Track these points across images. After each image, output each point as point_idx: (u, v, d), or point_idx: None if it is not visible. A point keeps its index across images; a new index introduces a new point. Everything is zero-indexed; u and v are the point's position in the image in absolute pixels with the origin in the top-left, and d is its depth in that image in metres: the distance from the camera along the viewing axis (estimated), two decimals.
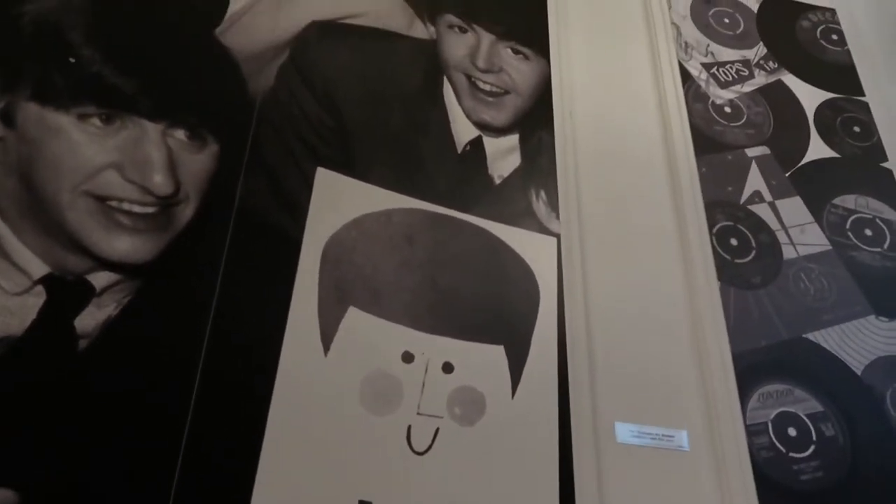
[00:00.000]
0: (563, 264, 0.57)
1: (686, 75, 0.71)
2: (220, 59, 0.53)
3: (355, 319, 0.48)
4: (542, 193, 0.60)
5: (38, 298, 0.40)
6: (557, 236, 0.58)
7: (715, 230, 0.63)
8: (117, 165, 0.43)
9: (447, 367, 0.49)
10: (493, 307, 0.53)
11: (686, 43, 0.73)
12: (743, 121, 0.69)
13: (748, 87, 0.71)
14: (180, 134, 0.46)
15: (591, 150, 0.64)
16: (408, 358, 0.48)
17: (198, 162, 0.47)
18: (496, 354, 0.51)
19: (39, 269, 0.40)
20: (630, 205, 0.62)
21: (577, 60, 0.68)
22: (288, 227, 0.49)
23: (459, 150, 0.60)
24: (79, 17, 0.46)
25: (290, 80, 0.56)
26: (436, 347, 0.49)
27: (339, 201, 0.52)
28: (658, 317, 0.57)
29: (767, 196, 0.65)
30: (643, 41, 0.73)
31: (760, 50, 0.75)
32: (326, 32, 0.59)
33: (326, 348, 0.46)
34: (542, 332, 0.54)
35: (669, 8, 0.75)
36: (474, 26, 0.64)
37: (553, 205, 0.59)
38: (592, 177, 0.63)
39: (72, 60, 0.44)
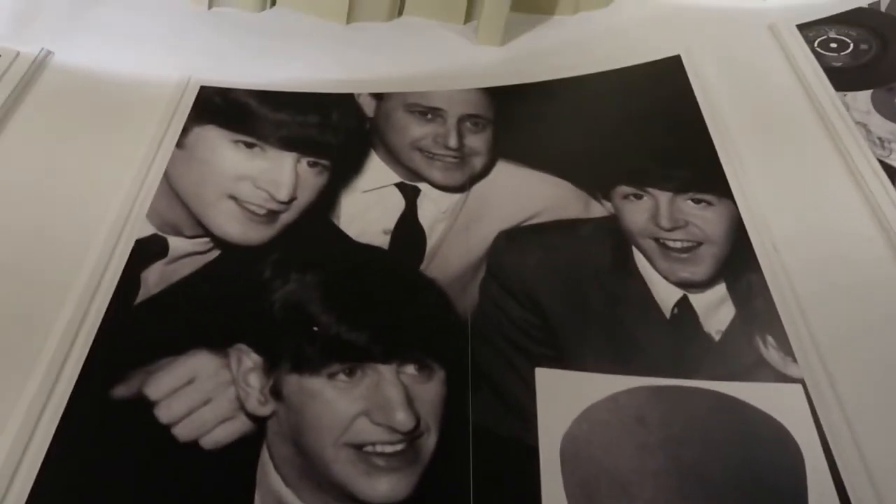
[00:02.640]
0: (817, 412, 0.52)
1: (892, 171, 0.65)
2: (429, 292, 0.59)
3: None
4: (769, 338, 0.56)
5: None
6: (801, 381, 0.54)
7: None
8: (366, 412, 0.49)
9: None
10: (751, 476, 0.49)
11: (880, 139, 0.69)
12: None
13: None
14: (410, 369, 0.51)
15: (809, 279, 0.60)
16: None
17: (429, 391, 0.51)
18: None
19: None
20: (874, 327, 0.56)
21: (763, 191, 0.66)
22: (522, 434, 0.51)
23: (668, 315, 0.59)
24: (314, 291, 0.55)
25: (492, 292, 0.60)
26: None
27: (563, 397, 0.53)
28: None
29: None
30: (829, 151, 0.69)
31: None
32: (513, 238, 0.64)
33: None
34: (817, 494, 0.48)
35: (848, 109, 0.72)
36: (648, 190, 0.66)
37: (785, 348, 0.55)
38: (819, 306, 0.58)
39: (315, 329, 0.52)
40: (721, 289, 0.61)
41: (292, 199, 0.62)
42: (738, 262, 0.62)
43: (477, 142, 0.70)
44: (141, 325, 0.54)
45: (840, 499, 0.47)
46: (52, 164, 0.64)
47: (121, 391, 0.49)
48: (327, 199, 0.64)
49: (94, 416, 0.48)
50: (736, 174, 0.68)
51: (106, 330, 0.52)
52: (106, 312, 0.53)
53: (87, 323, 0.52)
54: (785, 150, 0.71)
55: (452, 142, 0.69)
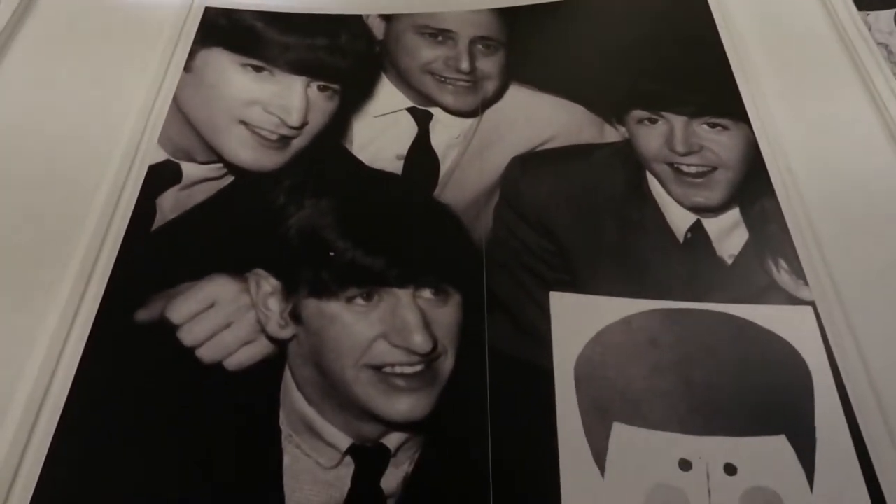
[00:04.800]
0: (826, 333, 0.53)
1: None
2: (444, 218, 0.59)
3: (622, 434, 0.49)
4: (782, 262, 0.57)
5: (348, 469, 0.46)
6: (812, 304, 0.54)
7: None
8: (384, 335, 0.50)
9: (730, 469, 0.47)
10: (761, 394, 0.50)
11: None
12: None
13: None
14: (427, 293, 0.51)
15: (822, 203, 0.59)
16: (685, 465, 0.47)
17: (446, 314, 0.52)
18: (779, 445, 0.48)
19: (344, 441, 0.47)
20: (886, 251, 0.56)
21: (780, 115, 0.65)
22: (536, 356, 0.52)
23: (681, 239, 0.60)
24: (329, 217, 0.55)
25: (506, 218, 0.60)
26: (711, 449, 0.48)
27: (577, 321, 0.54)
28: None
29: None
30: (848, 72, 0.68)
31: None
32: (527, 164, 0.64)
33: (602, 469, 0.47)
34: (824, 411, 0.49)
35: (870, 29, 0.70)
36: (662, 114, 0.65)
37: (797, 271, 0.56)
38: (831, 229, 0.58)
39: (331, 254, 0.52)
40: (735, 213, 0.61)
41: (304, 124, 0.61)
42: (752, 187, 0.61)
43: (489, 65, 0.69)
44: (159, 251, 0.54)
45: (847, 418, 0.48)
46: (57, 90, 0.63)
47: (143, 315, 0.50)
48: (339, 125, 0.64)
49: (119, 339, 0.49)
50: (753, 98, 0.67)
51: (125, 256, 0.53)
52: (124, 239, 0.54)
53: (105, 249, 0.53)
54: (803, 73, 0.69)
55: (464, 65, 0.68)
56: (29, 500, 0.42)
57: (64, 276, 0.51)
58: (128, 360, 0.49)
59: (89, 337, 0.48)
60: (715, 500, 0.46)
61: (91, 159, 0.58)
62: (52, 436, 0.44)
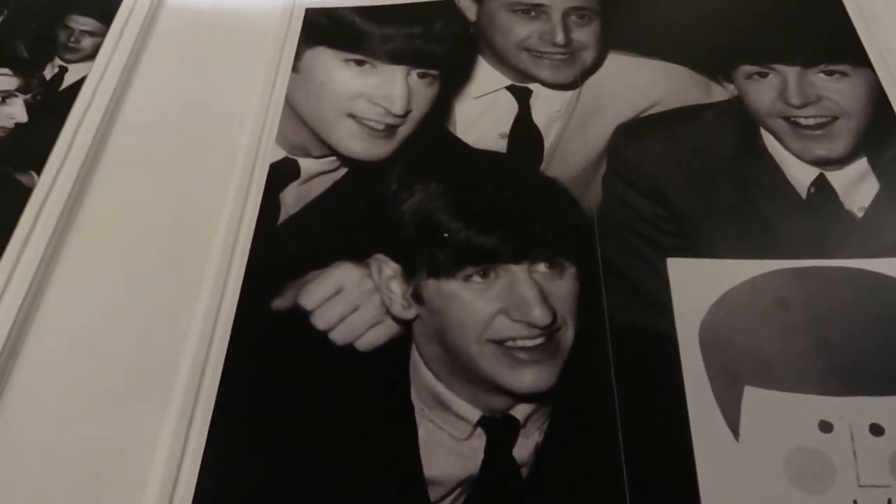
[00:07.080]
0: None
1: None
2: (552, 191, 0.59)
3: (755, 398, 0.48)
4: None
5: (480, 440, 0.48)
6: None
7: None
8: (503, 310, 0.51)
9: (875, 430, 0.45)
10: None
11: None
12: None
13: None
14: (541, 267, 0.52)
15: None
16: (826, 427, 0.46)
17: (562, 287, 0.52)
18: None
19: (474, 414, 0.49)
20: None
21: None
22: (658, 324, 0.51)
23: (804, 195, 0.57)
24: (440, 200, 0.56)
25: (615, 187, 0.60)
26: (853, 410, 0.46)
27: (697, 286, 0.53)
28: None
29: None
30: None
31: None
32: (632, 131, 0.63)
33: (735, 434, 0.46)
34: None
35: None
36: (773, 67, 0.62)
37: None
38: None
39: (445, 236, 0.54)
40: (862, 163, 0.57)
41: (407, 112, 0.63)
42: (880, 134, 0.58)
43: (584, 35, 0.68)
44: (287, 243, 0.58)
45: None
46: (180, 103, 0.68)
47: (279, 303, 0.54)
48: (441, 109, 0.65)
49: (260, 328, 0.53)
50: (873, 39, 0.63)
51: (257, 249, 0.57)
52: (254, 234, 0.57)
53: (239, 245, 0.56)
54: None
55: (559, 38, 0.67)
56: (194, 487, 0.46)
57: (203, 275, 0.55)
58: (269, 347, 0.52)
59: (233, 327, 0.52)
60: (861, 461, 0.44)
61: (218, 162, 0.62)
62: (209, 423, 0.48)
